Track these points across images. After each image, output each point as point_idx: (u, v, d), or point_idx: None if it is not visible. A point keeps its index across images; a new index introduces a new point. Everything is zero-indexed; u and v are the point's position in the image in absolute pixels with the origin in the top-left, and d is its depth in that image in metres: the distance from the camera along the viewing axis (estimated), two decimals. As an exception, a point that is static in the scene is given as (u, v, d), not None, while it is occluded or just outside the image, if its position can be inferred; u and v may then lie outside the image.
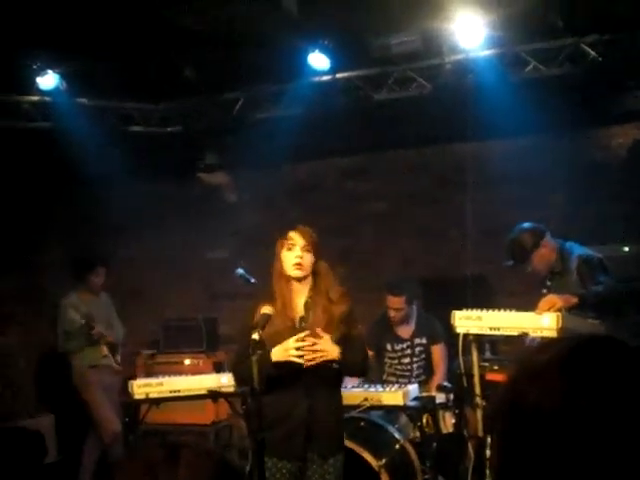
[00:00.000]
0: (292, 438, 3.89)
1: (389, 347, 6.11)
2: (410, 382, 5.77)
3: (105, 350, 6.58)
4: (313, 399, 3.91)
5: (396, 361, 6.10)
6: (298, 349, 3.86)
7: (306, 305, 4.03)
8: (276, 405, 3.90)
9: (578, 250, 5.18)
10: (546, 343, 1.17)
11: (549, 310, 4.48)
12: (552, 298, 4.60)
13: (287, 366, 3.87)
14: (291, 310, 4.02)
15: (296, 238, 4.01)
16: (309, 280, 4.06)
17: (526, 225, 5.28)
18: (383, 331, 6.09)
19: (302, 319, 4.00)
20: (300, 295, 4.06)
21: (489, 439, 4.71)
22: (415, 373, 6.05)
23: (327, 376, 3.95)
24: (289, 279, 4.04)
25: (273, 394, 3.87)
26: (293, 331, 3.94)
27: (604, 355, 1.07)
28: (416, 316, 6.14)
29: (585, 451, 1.00)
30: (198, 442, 1.41)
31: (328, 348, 3.89)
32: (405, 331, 6.11)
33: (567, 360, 1.07)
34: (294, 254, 3.99)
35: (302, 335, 3.88)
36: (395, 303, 5.98)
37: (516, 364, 1.14)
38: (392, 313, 6.02)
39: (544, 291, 5.11)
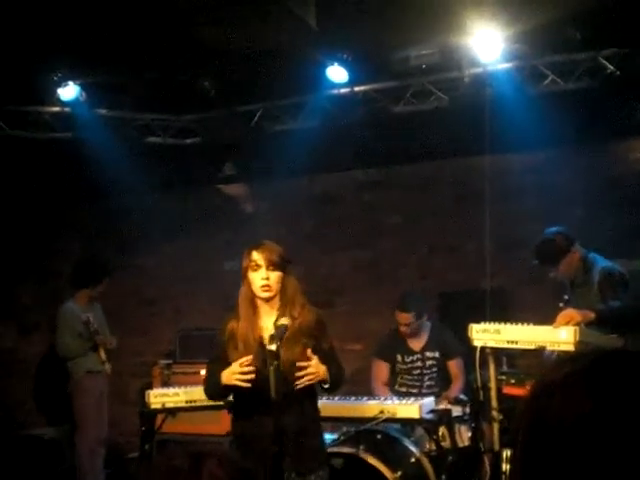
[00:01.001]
0: (265, 458, 3.73)
1: (399, 358, 6.11)
2: (420, 394, 5.76)
3: (103, 356, 6.63)
4: (282, 417, 3.74)
5: (406, 373, 6.10)
6: (242, 373, 3.78)
7: (275, 323, 3.89)
8: (245, 425, 3.90)
9: (602, 262, 5.18)
10: (567, 357, 1.18)
11: (567, 324, 4.46)
12: (570, 312, 4.58)
13: (253, 386, 3.79)
14: (258, 330, 3.94)
15: (260, 258, 3.91)
16: (277, 297, 3.97)
17: (559, 229, 5.30)
18: (395, 343, 6.10)
19: (272, 337, 3.84)
20: (269, 313, 3.98)
21: (505, 453, 4.70)
22: (426, 384, 6.03)
23: (295, 393, 3.85)
24: (256, 299, 3.97)
25: (241, 414, 3.90)
26: (262, 351, 3.86)
27: (626, 368, 1.07)
28: (429, 329, 6.13)
29: (609, 464, 1.00)
30: (222, 452, 1.41)
31: (318, 369, 3.84)
32: (416, 344, 6.10)
33: (590, 373, 1.07)
34: (260, 275, 3.90)
35: (244, 359, 3.80)
36: (404, 319, 6.00)
37: (538, 377, 1.14)
38: (402, 328, 6.05)
39: (561, 305, 5.09)
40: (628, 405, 1.02)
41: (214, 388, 4.02)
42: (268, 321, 3.96)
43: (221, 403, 5.41)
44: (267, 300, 3.95)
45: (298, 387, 3.82)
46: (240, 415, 3.99)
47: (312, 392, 4.01)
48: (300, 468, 3.87)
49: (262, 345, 3.89)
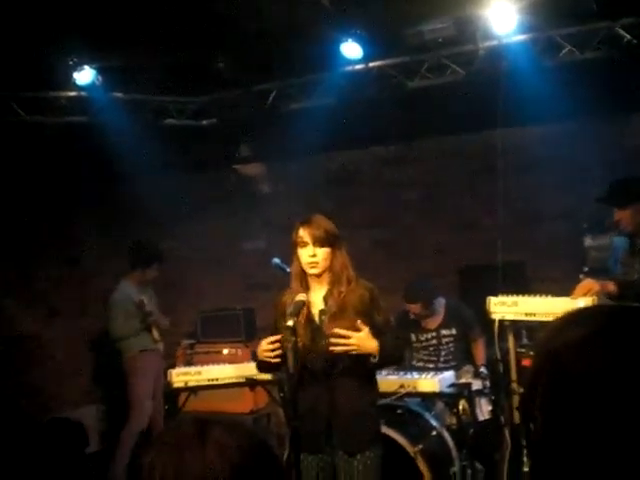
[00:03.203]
0: (315, 434, 3.80)
1: (414, 337, 6.11)
2: (437, 368, 5.77)
3: (157, 335, 6.69)
4: (335, 394, 3.80)
5: (422, 349, 6.11)
6: (272, 350, 3.80)
7: (325, 298, 3.92)
8: (299, 400, 3.87)
9: None
10: (578, 313, 1.17)
11: (585, 295, 4.44)
12: (589, 283, 4.55)
13: (308, 361, 3.82)
14: (310, 305, 3.93)
15: (306, 234, 3.89)
16: (327, 272, 3.95)
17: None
18: (407, 323, 6.08)
19: (322, 312, 3.90)
20: (319, 289, 3.97)
21: (526, 425, 4.70)
22: (442, 359, 6.03)
23: (351, 370, 3.86)
24: (307, 275, 3.96)
25: (294, 388, 3.85)
26: (312, 326, 3.89)
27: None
28: (444, 307, 6.10)
29: (632, 418, 1.01)
30: (232, 420, 1.41)
31: (361, 342, 3.77)
32: (431, 323, 6.09)
33: (608, 329, 1.08)
34: (307, 252, 3.89)
35: (273, 338, 3.83)
36: (412, 309, 6.00)
37: (553, 334, 1.13)
38: (412, 315, 6.04)
39: (581, 276, 5.06)
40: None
41: (258, 363, 4.07)
42: (318, 296, 3.95)
43: (243, 381, 5.50)
44: (316, 276, 3.94)
45: (332, 350, 3.77)
46: (294, 390, 3.89)
47: (366, 371, 3.95)
48: (348, 447, 3.84)
49: (311, 320, 3.90)
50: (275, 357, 3.82)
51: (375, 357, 3.83)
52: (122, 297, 6.67)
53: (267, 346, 3.84)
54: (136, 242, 6.91)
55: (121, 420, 6.67)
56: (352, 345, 3.76)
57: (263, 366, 4.07)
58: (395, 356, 4.09)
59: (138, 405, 6.58)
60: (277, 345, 3.80)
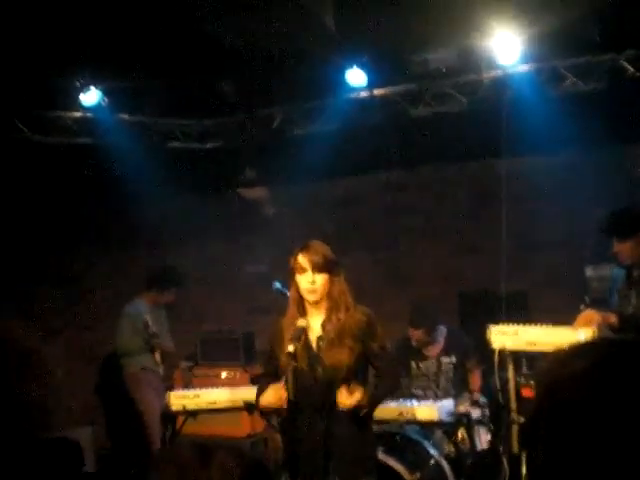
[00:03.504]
0: (312, 460, 3.78)
1: (414, 365, 6.07)
2: (436, 396, 5.75)
3: (158, 358, 6.71)
4: (332, 421, 3.78)
5: (422, 376, 6.07)
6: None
7: (323, 324, 3.91)
8: (295, 425, 3.89)
9: None
10: (581, 346, 1.17)
11: (586, 326, 4.44)
12: (590, 313, 4.55)
13: (306, 387, 3.82)
14: (307, 331, 3.92)
15: (305, 261, 3.88)
16: (325, 299, 3.93)
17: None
18: (408, 350, 6.04)
19: (319, 338, 3.88)
20: (317, 315, 3.96)
21: (525, 456, 4.68)
22: (442, 387, 6.00)
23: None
24: (305, 301, 3.95)
25: (292, 414, 3.87)
26: (310, 352, 3.88)
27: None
28: (445, 334, 6.08)
29: (631, 451, 1.01)
30: (232, 445, 1.43)
31: (347, 400, 3.74)
32: (432, 350, 6.05)
33: (609, 362, 1.09)
34: (306, 278, 3.87)
35: (281, 388, 3.83)
36: (415, 335, 5.95)
37: (556, 366, 1.14)
38: (414, 342, 6.01)
39: (582, 307, 5.06)
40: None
41: (293, 380, 3.86)
42: (316, 322, 3.94)
43: (240, 405, 5.49)
44: (315, 302, 3.93)
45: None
46: (291, 416, 3.94)
47: None
48: (344, 474, 3.81)
49: (308, 346, 3.89)
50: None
51: (363, 409, 3.80)
52: (133, 312, 6.74)
53: (273, 396, 3.86)
54: (158, 264, 6.99)
55: (117, 442, 6.66)
56: (343, 404, 3.75)
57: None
58: (387, 394, 4.13)
59: (150, 411, 6.60)
60: (284, 396, 3.79)
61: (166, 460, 1.36)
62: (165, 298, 6.90)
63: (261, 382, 4.18)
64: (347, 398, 3.75)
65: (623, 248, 4.73)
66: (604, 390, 1.06)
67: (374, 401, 3.90)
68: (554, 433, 1.09)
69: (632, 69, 6.09)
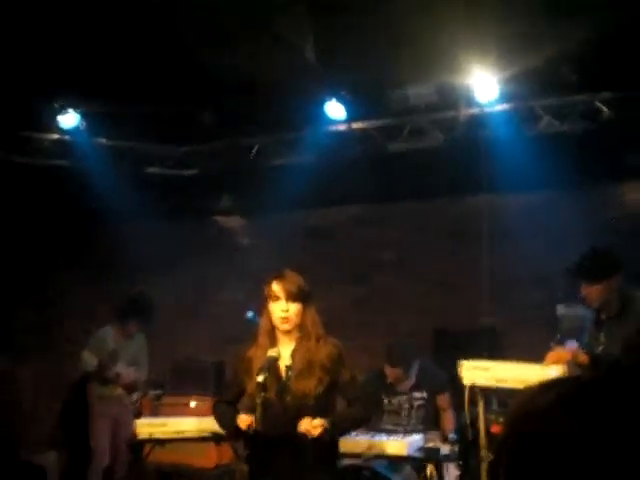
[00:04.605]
0: None
1: (385, 400, 6.01)
2: (406, 432, 5.70)
3: (119, 389, 6.64)
4: (298, 451, 3.74)
5: (393, 412, 6.01)
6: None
7: (292, 354, 3.89)
8: (262, 456, 3.85)
9: None
10: (548, 382, 1.17)
11: (556, 363, 4.45)
12: (560, 351, 4.57)
13: (274, 417, 3.78)
14: (278, 361, 3.89)
15: (279, 289, 3.85)
16: (297, 328, 3.91)
17: (609, 249, 4.93)
18: (380, 384, 5.99)
19: (288, 368, 3.86)
20: (288, 344, 3.93)
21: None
22: (412, 422, 5.94)
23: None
24: (276, 330, 3.93)
25: (258, 445, 3.83)
26: (279, 381, 3.86)
27: (613, 394, 1.06)
28: (417, 370, 6.03)
29: None
30: (197, 475, 1.39)
31: (309, 430, 3.72)
32: (403, 385, 5.99)
33: (576, 399, 1.06)
34: (280, 307, 3.85)
35: (249, 421, 3.76)
36: (392, 373, 5.89)
37: (523, 401, 1.14)
38: (390, 379, 5.95)
39: (552, 344, 5.08)
40: (614, 432, 1.01)
41: (228, 427, 3.92)
42: (286, 351, 3.91)
43: (208, 435, 5.42)
44: (287, 332, 3.90)
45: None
46: (257, 445, 3.88)
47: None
48: None
49: (278, 375, 3.86)
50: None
51: (325, 434, 3.76)
52: (97, 339, 6.65)
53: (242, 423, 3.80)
54: (126, 296, 6.91)
55: (81, 467, 6.58)
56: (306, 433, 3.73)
57: (232, 432, 3.99)
58: (355, 424, 4.11)
59: (97, 450, 6.56)
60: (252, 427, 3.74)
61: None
62: (128, 329, 6.77)
63: (222, 408, 4.11)
64: (309, 425, 3.72)
65: (591, 291, 4.74)
66: (567, 425, 1.03)
67: (338, 426, 3.86)
68: (515, 469, 1.06)
69: (607, 110, 6.18)
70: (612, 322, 4.76)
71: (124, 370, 6.67)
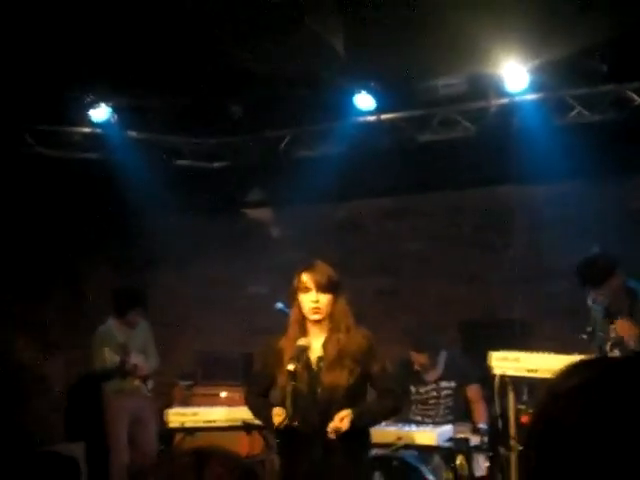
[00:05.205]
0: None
1: (413, 390, 6.04)
2: (435, 422, 5.71)
3: (136, 381, 6.68)
4: (329, 443, 3.77)
5: (421, 402, 6.03)
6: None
7: (324, 345, 3.91)
8: (292, 448, 3.88)
9: None
10: (577, 364, 1.16)
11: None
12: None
13: (301, 410, 3.79)
14: (308, 351, 3.91)
15: (309, 280, 3.87)
16: (327, 319, 3.93)
17: (603, 250, 5.25)
18: (408, 373, 6.03)
19: (320, 359, 3.88)
20: (318, 335, 3.95)
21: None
22: (441, 413, 5.96)
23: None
24: (307, 321, 3.95)
25: (289, 436, 3.85)
26: (310, 372, 3.88)
27: (635, 377, 1.06)
28: (445, 360, 6.06)
29: (620, 470, 0.99)
30: (229, 452, 1.41)
31: (336, 426, 3.75)
32: (431, 375, 6.02)
33: (604, 381, 1.06)
34: (310, 298, 3.87)
35: (282, 414, 3.76)
36: (419, 359, 5.95)
37: (552, 384, 1.12)
38: (416, 366, 6.00)
39: (584, 336, 5.07)
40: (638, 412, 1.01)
41: (292, 399, 3.81)
42: (317, 343, 3.92)
43: (239, 425, 5.46)
44: (317, 322, 3.92)
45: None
46: (288, 436, 3.90)
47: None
48: None
49: (309, 366, 3.88)
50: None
51: (351, 424, 3.79)
52: (102, 351, 6.63)
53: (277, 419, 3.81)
54: (115, 288, 6.92)
55: (105, 457, 6.64)
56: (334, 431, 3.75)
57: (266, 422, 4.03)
58: (380, 418, 4.14)
59: (114, 441, 6.56)
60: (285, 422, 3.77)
61: (162, 464, 1.36)
62: (134, 319, 6.77)
63: (255, 400, 4.14)
64: (337, 423, 3.75)
65: (598, 294, 5.04)
66: (599, 408, 1.03)
67: (367, 417, 3.90)
68: (545, 454, 1.06)
69: (638, 100, 6.12)
70: (623, 317, 4.95)
71: (139, 361, 6.70)
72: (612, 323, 4.97)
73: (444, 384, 6.00)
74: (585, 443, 1.02)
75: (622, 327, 4.69)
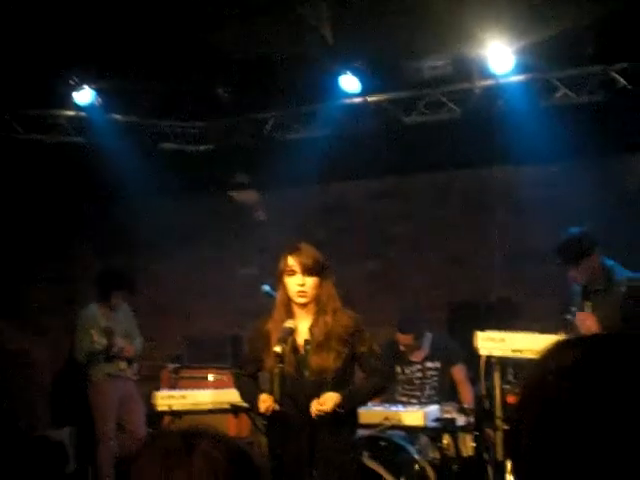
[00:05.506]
0: (296, 465, 3.81)
1: (399, 369, 6.08)
2: (420, 403, 5.76)
3: (122, 364, 6.67)
4: (316, 425, 3.79)
5: (406, 383, 6.08)
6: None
7: (310, 328, 3.91)
8: (280, 429, 3.90)
9: (626, 273, 5.13)
10: (571, 339, 1.14)
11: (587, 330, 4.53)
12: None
13: (291, 390, 3.82)
14: (295, 334, 3.91)
15: (295, 263, 3.85)
16: (313, 302, 3.93)
17: (584, 229, 5.24)
18: (393, 354, 6.06)
19: (307, 342, 3.88)
20: (305, 318, 3.95)
21: (509, 463, 4.70)
22: (426, 394, 6.00)
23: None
24: (293, 304, 3.94)
25: (277, 418, 3.87)
26: (297, 356, 3.89)
27: (631, 351, 1.05)
28: (430, 341, 6.10)
29: (617, 447, 0.98)
30: (218, 432, 1.41)
31: (322, 405, 3.78)
32: (416, 355, 6.07)
33: (603, 354, 1.05)
34: (296, 281, 3.86)
35: (270, 403, 3.79)
36: (403, 340, 5.99)
37: (544, 359, 1.10)
38: (401, 347, 6.04)
39: (568, 317, 5.10)
40: (633, 388, 1.00)
41: (279, 382, 3.81)
42: (303, 325, 3.93)
43: (227, 407, 5.48)
44: (303, 305, 3.92)
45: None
46: (276, 419, 3.91)
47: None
48: (326, 478, 3.83)
49: (296, 349, 3.88)
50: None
51: (341, 408, 3.82)
52: (86, 321, 6.63)
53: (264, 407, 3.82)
54: (98, 271, 6.89)
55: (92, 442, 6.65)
56: (319, 410, 3.77)
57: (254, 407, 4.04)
58: (373, 394, 4.16)
59: (102, 426, 6.56)
60: (274, 408, 3.78)
61: (152, 449, 1.35)
62: (119, 302, 6.76)
63: (244, 382, 4.16)
64: (321, 404, 3.76)
65: (577, 273, 5.07)
66: (598, 384, 1.01)
67: (355, 398, 3.92)
68: (541, 432, 1.04)
69: (623, 81, 6.13)
70: (598, 294, 4.98)
71: (124, 343, 6.69)
72: (588, 300, 5.02)
73: (429, 364, 6.04)
74: (582, 421, 1.01)
75: (581, 321, 4.69)
